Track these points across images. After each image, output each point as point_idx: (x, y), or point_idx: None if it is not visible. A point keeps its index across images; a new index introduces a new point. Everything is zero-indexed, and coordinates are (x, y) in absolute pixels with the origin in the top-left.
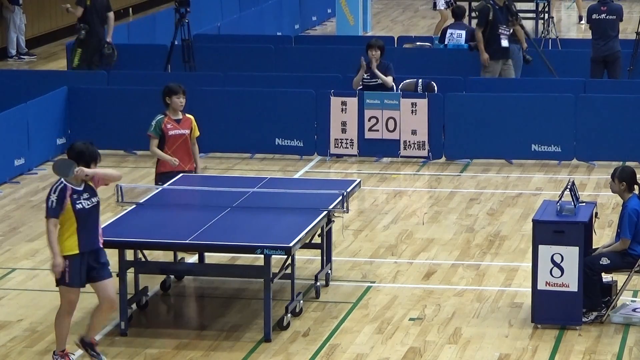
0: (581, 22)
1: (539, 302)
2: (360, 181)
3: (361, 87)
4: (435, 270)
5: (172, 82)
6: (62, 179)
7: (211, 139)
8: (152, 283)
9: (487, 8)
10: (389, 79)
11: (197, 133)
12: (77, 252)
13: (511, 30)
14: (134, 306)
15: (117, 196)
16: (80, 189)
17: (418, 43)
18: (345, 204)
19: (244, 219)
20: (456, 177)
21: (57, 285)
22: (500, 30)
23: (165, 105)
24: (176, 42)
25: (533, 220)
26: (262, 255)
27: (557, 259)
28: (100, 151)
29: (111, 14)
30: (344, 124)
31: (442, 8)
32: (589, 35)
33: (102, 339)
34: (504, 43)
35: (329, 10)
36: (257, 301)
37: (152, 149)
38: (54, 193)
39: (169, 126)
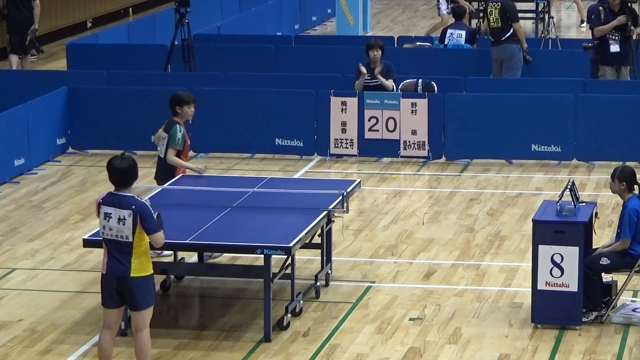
0: (582, 24)
1: (539, 302)
2: (360, 181)
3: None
4: (435, 270)
5: (182, 91)
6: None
7: (211, 139)
8: None
9: (598, 10)
10: (390, 83)
11: None
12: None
13: (618, 37)
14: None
15: None
16: None
17: (418, 43)
18: (345, 204)
19: (244, 219)
20: (456, 177)
21: (145, 309)
22: (608, 35)
23: (174, 113)
24: (176, 42)
25: (533, 220)
26: (262, 255)
27: (557, 259)
28: (100, 151)
29: (36, 2)
30: (344, 124)
31: (445, 13)
32: (589, 35)
33: None
34: (613, 48)
35: (329, 10)
36: (257, 301)
37: (174, 160)
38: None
39: (186, 135)
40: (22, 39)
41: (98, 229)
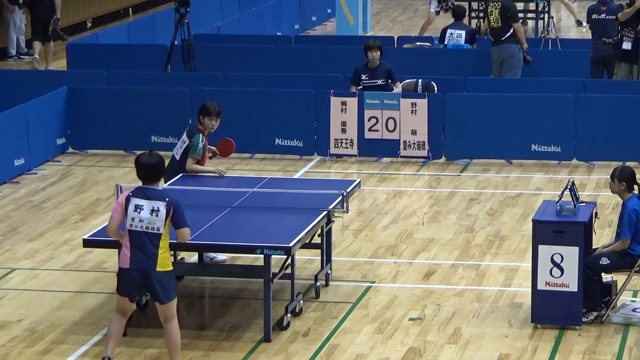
0: (580, 25)
1: (539, 302)
2: (360, 181)
3: (361, 87)
4: (435, 270)
5: (211, 102)
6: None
7: (211, 139)
8: None
9: (623, 5)
10: (398, 89)
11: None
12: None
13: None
14: (134, 306)
15: (116, 196)
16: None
17: (418, 43)
18: (345, 204)
19: (244, 219)
20: (456, 177)
21: (166, 303)
22: (624, 31)
23: (199, 120)
24: (176, 42)
25: (533, 220)
26: (262, 255)
27: (557, 259)
28: (100, 151)
29: None
30: (343, 124)
31: (432, 10)
32: (588, 35)
33: (102, 339)
34: (625, 46)
35: (329, 10)
36: (257, 301)
37: (194, 168)
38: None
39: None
40: (45, 27)
41: (98, 229)
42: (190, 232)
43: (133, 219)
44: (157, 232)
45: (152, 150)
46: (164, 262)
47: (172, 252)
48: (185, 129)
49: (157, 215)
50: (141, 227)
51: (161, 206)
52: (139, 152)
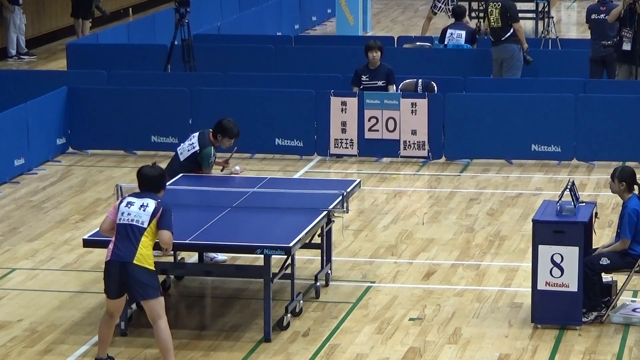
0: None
1: (539, 302)
2: (360, 181)
3: (361, 88)
4: (435, 270)
5: (230, 122)
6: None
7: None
8: None
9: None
10: (391, 90)
11: None
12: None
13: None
14: (134, 306)
15: (116, 195)
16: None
17: (418, 43)
18: (345, 204)
19: (244, 219)
20: (456, 177)
21: (146, 300)
22: (623, 32)
23: (214, 136)
24: (176, 42)
25: (533, 220)
26: (262, 255)
27: (557, 259)
28: (100, 151)
29: None
30: (343, 124)
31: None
32: (588, 35)
33: None
34: (625, 47)
35: (329, 10)
36: (257, 301)
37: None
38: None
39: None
40: (84, 7)
41: (98, 229)
42: (172, 237)
43: (122, 214)
44: (141, 225)
45: (155, 163)
46: (143, 258)
47: (172, 252)
48: (190, 130)
49: (144, 210)
50: (128, 219)
51: (151, 203)
52: (139, 152)
